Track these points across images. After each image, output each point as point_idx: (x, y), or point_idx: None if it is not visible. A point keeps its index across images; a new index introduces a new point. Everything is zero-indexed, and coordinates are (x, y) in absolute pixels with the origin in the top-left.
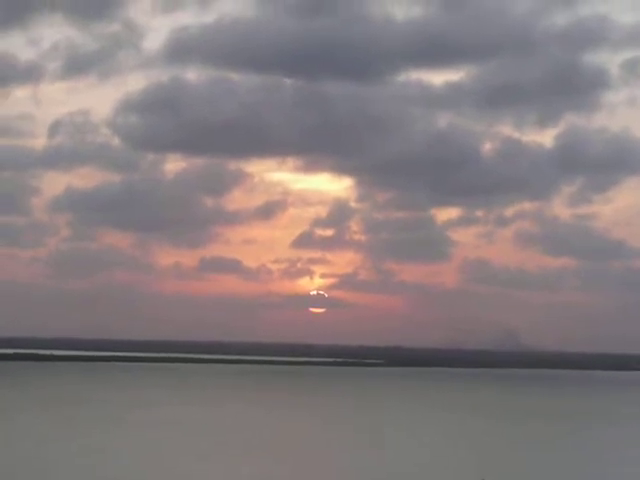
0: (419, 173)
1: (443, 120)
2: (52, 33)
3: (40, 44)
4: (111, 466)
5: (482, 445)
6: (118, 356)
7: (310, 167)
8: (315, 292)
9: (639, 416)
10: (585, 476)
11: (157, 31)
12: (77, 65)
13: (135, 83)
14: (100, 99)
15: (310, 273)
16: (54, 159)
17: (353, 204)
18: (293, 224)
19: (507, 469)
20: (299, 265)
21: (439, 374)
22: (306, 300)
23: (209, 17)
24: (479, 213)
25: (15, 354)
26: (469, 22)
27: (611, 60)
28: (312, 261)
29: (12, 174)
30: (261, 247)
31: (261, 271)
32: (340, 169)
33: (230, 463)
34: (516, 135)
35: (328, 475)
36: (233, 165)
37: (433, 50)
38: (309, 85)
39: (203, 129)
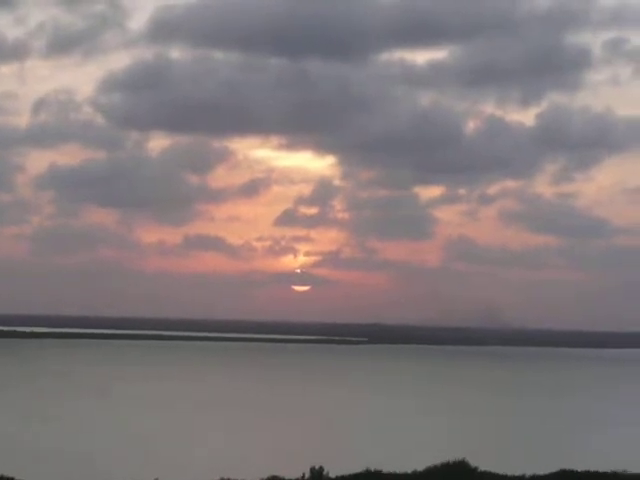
0: (402, 151)
1: (426, 99)
2: (38, 12)
3: (26, 23)
4: (92, 438)
5: (463, 420)
6: (100, 333)
7: (294, 145)
8: (299, 270)
9: (617, 392)
10: (564, 449)
11: (142, 10)
12: (62, 44)
13: (119, 62)
14: (84, 77)
15: (294, 251)
16: (38, 137)
17: (337, 182)
18: (277, 202)
19: (488, 444)
20: (283, 243)
21: (422, 351)
22: (290, 278)
23: None
24: (462, 191)
25: None
26: (452, 1)
27: (593, 40)
28: (296, 239)
29: None
30: (245, 225)
31: (245, 249)
32: (323, 147)
33: (212, 436)
34: (499, 114)
35: (305, 449)
36: (217, 143)
37: (416, 29)
38: (293, 64)
39: (187, 107)
